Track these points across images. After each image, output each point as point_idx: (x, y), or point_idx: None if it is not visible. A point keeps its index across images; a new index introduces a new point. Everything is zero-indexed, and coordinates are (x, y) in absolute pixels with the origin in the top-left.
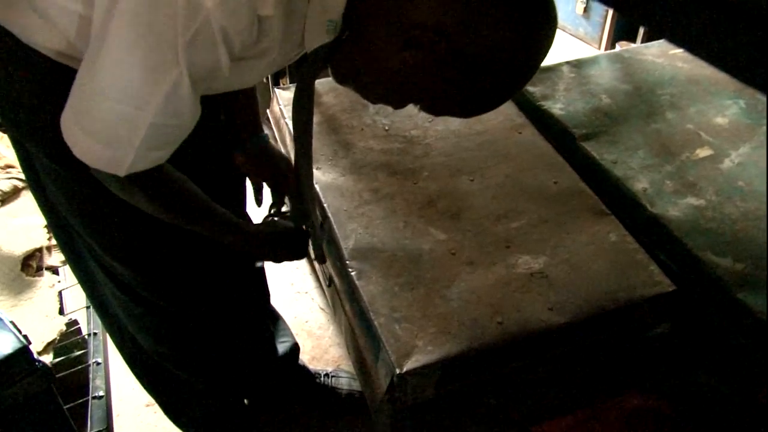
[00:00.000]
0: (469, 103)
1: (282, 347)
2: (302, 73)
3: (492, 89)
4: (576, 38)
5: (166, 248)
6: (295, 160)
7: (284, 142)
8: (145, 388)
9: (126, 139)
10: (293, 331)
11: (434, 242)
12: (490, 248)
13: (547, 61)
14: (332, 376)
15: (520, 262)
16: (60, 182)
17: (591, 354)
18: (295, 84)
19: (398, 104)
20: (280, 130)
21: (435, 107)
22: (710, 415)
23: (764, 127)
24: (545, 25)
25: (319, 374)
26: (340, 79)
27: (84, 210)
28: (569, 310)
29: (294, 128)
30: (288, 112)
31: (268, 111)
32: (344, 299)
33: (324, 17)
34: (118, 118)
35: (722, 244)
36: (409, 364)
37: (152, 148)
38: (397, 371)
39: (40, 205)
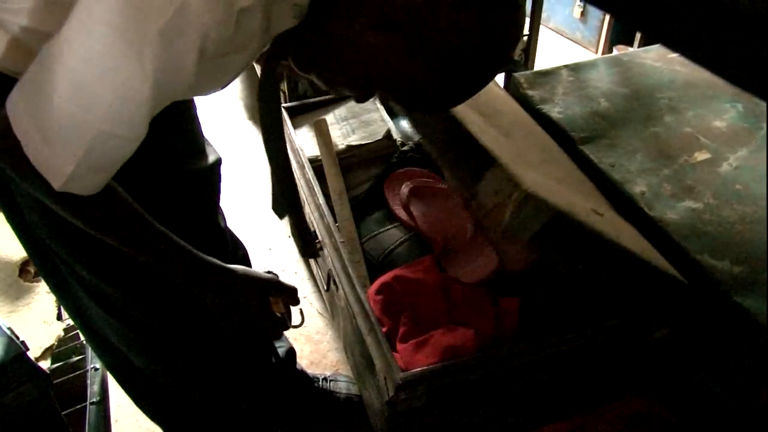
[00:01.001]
0: (435, 92)
1: (278, 353)
2: (267, 60)
3: (458, 77)
4: (573, 42)
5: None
6: (265, 149)
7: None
8: (139, 406)
9: (69, 145)
10: (292, 335)
11: None
12: None
13: (546, 65)
14: (331, 380)
15: None
16: (37, 205)
17: (591, 355)
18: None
19: (363, 92)
20: None
21: (401, 97)
22: (710, 418)
23: (762, 131)
24: (511, 10)
25: (318, 378)
26: (303, 67)
27: (65, 231)
28: None
29: (261, 118)
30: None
31: None
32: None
33: (291, 1)
34: (66, 118)
35: (720, 247)
36: None
37: (93, 166)
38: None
39: (16, 232)
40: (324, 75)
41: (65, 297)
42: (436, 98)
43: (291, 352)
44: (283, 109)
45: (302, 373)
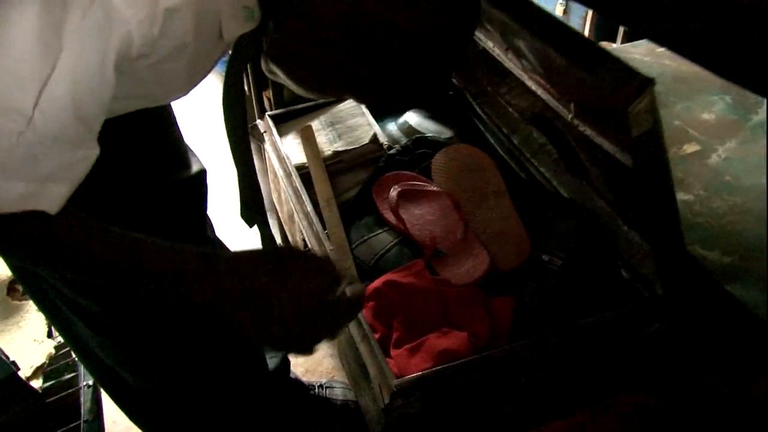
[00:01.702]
0: (396, 93)
1: (272, 362)
2: (229, 66)
3: (412, 76)
4: None
5: None
6: (233, 157)
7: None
8: (133, 421)
9: None
10: None
11: None
12: None
13: None
14: (326, 387)
15: None
16: None
17: (586, 351)
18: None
19: (330, 96)
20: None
21: (366, 99)
22: (706, 410)
23: (750, 122)
24: (454, 7)
25: (314, 386)
26: (269, 71)
27: None
28: None
29: (226, 125)
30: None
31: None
32: None
33: (238, 4)
34: None
35: (710, 237)
36: None
37: (24, 176)
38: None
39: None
40: (288, 80)
41: (52, 314)
42: (399, 101)
43: (285, 361)
44: (268, 117)
45: (297, 382)
